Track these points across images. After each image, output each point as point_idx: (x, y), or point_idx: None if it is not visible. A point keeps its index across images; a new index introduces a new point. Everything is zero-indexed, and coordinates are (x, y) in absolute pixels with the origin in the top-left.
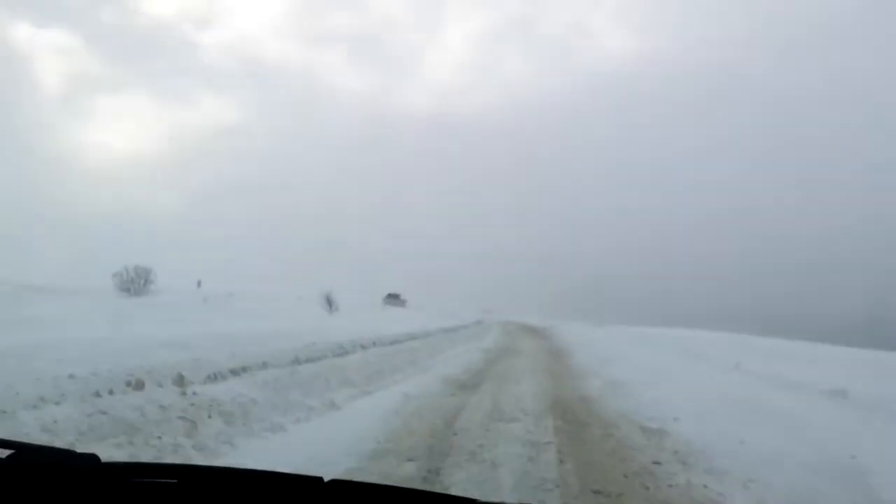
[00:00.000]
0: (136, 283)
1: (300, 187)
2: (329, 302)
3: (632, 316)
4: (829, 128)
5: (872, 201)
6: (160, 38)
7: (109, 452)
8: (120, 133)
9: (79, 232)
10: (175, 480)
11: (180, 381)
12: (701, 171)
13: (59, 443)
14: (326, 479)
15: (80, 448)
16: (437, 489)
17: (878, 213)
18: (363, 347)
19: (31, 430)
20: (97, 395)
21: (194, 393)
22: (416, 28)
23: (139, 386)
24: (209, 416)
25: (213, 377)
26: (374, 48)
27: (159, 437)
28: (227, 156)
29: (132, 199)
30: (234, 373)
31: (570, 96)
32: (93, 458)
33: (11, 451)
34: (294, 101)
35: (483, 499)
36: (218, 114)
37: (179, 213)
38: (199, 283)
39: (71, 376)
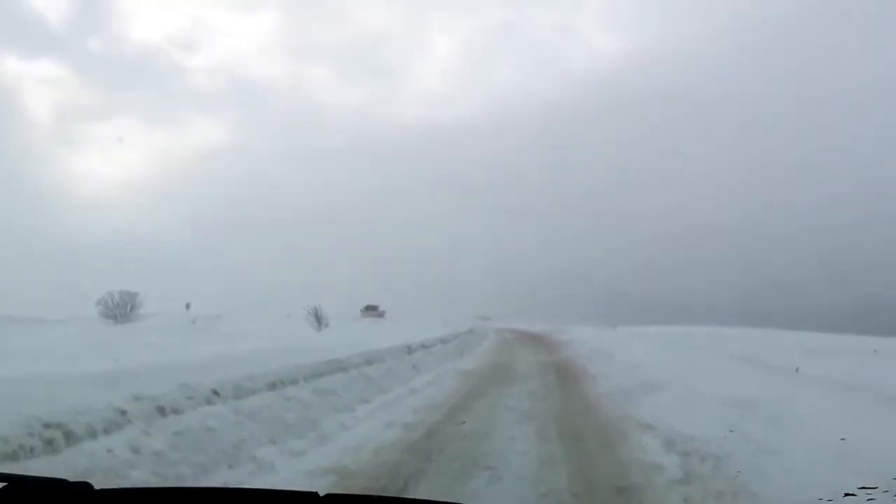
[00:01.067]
0: (120, 309)
1: (292, 203)
2: (318, 318)
3: (636, 315)
4: (833, 118)
5: (865, 197)
6: (148, 63)
7: None
8: (110, 160)
9: (73, 261)
10: None
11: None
12: (699, 169)
13: None
14: (322, 493)
15: None
16: None
17: (874, 208)
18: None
19: None
20: None
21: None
22: (403, 39)
23: None
24: None
25: (106, 430)
26: (361, 62)
27: None
28: (216, 177)
29: (124, 226)
30: (150, 417)
31: (559, 100)
32: (86, 486)
33: (3, 484)
34: (283, 119)
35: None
36: (207, 135)
37: (172, 237)
38: (188, 306)
39: None
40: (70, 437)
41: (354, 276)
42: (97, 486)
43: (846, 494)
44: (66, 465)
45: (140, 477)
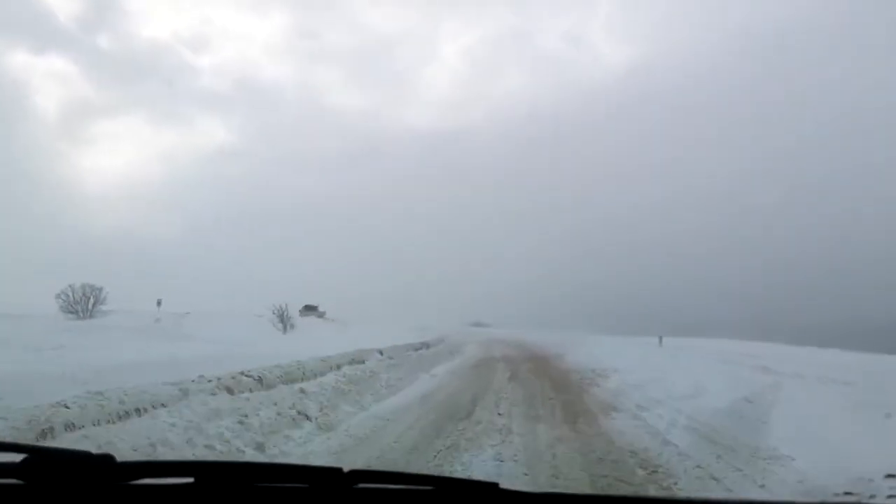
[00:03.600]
0: (82, 304)
1: (289, 204)
2: (282, 320)
3: (644, 326)
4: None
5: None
6: (157, 62)
7: None
8: (117, 157)
9: (69, 257)
10: (192, 478)
11: None
12: (709, 177)
13: None
14: (346, 469)
15: None
16: None
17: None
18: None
19: None
20: None
21: None
22: (414, 44)
23: None
24: None
25: None
26: (371, 66)
27: None
28: (217, 177)
29: (122, 224)
30: None
31: (568, 107)
32: (108, 459)
33: (25, 455)
34: (290, 122)
35: (505, 485)
36: (214, 136)
37: (167, 235)
38: (159, 303)
39: None
40: None
41: (347, 278)
42: (119, 459)
43: (888, 476)
44: None
45: None
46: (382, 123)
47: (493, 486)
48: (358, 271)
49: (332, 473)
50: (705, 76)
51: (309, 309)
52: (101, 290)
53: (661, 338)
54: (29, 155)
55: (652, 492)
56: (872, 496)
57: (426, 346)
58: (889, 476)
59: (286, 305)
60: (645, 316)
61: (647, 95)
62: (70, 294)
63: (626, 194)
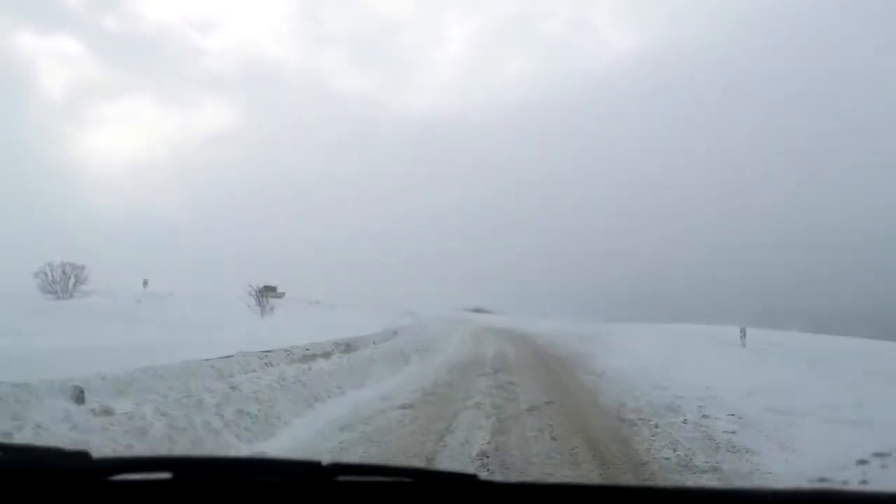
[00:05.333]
0: (61, 283)
1: (289, 186)
2: (260, 302)
3: (642, 313)
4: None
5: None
6: (164, 44)
7: None
8: (121, 139)
9: (66, 237)
10: (170, 474)
11: None
12: (710, 167)
13: None
14: (325, 463)
15: None
16: None
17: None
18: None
19: None
20: None
21: None
22: (419, 28)
23: None
24: None
25: None
26: (373, 49)
27: None
28: (219, 160)
29: (132, 205)
30: None
31: (573, 93)
32: (83, 456)
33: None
34: (291, 104)
35: (483, 477)
36: (219, 119)
37: (172, 217)
38: (145, 283)
39: None
40: None
41: (346, 261)
42: (95, 455)
43: (859, 462)
44: None
45: None
46: (383, 107)
47: (472, 478)
48: (359, 255)
49: (311, 467)
50: (716, 65)
51: (267, 289)
52: (82, 268)
53: (743, 331)
54: (31, 135)
55: None
56: (845, 482)
57: (402, 330)
58: (861, 462)
59: (262, 287)
60: (640, 302)
61: (653, 83)
62: (49, 273)
63: (633, 182)
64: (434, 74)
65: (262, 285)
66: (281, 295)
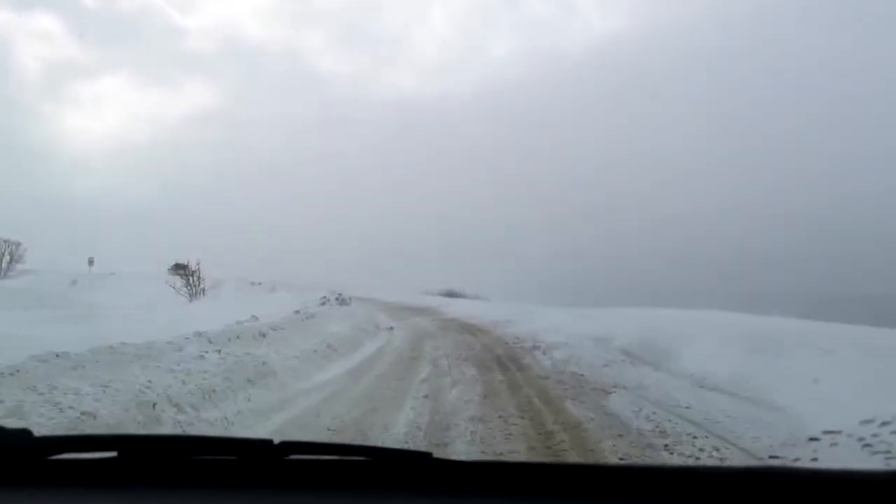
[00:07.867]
0: None
1: (268, 169)
2: (190, 283)
3: (621, 297)
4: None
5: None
6: (143, 22)
7: None
8: (99, 119)
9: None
10: (115, 452)
11: None
12: (696, 152)
13: None
14: (276, 441)
15: None
16: None
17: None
18: None
19: None
20: None
21: None
22: (402, 7)
23: None
24: None
25: None
26: (356, 29)
27: None
28: (197, 142)
29: (109, 186)
30: None
31: (558, 75)
32: (25, 434)
33: None
34: (271, 85)
35: (437, 454)
36: (199, 99)
37: (147, 198)
38: (90, 262)
39: None
40: None
41: (316, 243)
42: (37, 434)
43: (810, 439)
44: None
45: None
46: (364, 88)
47: (426, 456)
48: (333, 237)
49: (261, 445)
50: (704, 51)
51: (178, 268)
52: (18, 245)
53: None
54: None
55: None
56: (797, 459)
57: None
58: (812, 439)
59: (199, 265)
60: (619, 286)
61: (641, 67)
62: None
63: (614, 167)
64: (416, 55)
65: (173, 263)
66: (192, 273)
